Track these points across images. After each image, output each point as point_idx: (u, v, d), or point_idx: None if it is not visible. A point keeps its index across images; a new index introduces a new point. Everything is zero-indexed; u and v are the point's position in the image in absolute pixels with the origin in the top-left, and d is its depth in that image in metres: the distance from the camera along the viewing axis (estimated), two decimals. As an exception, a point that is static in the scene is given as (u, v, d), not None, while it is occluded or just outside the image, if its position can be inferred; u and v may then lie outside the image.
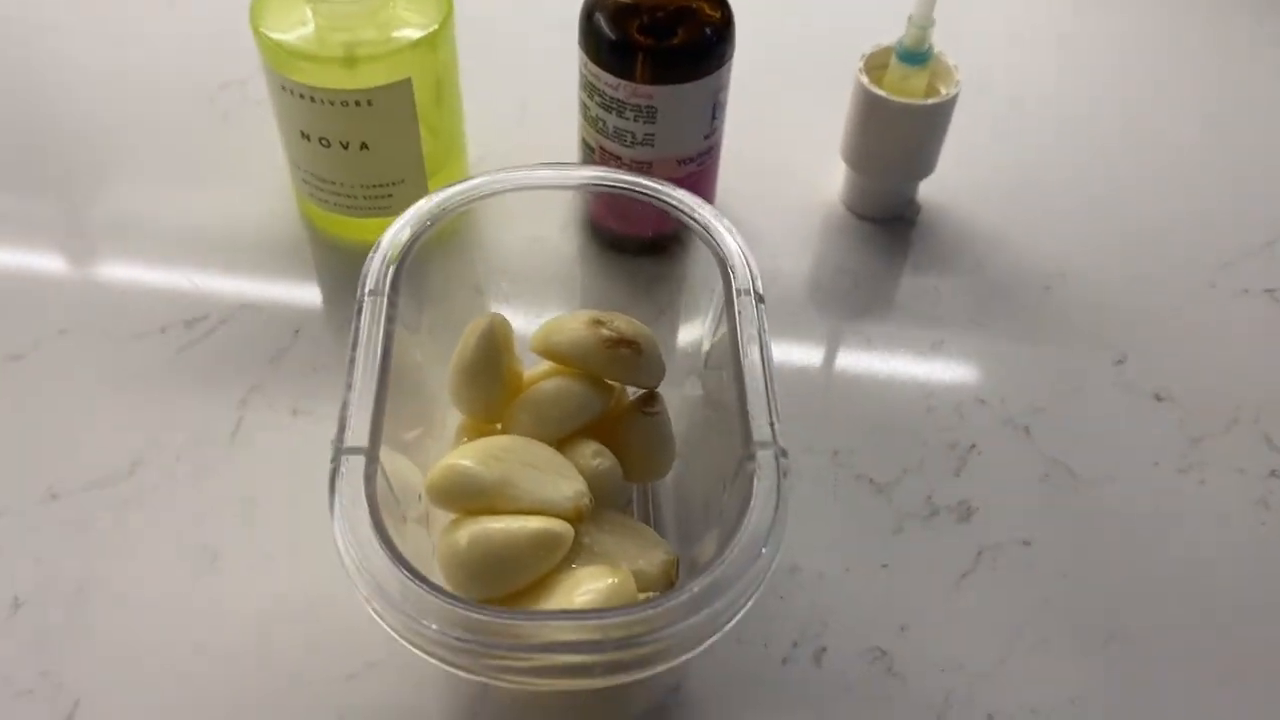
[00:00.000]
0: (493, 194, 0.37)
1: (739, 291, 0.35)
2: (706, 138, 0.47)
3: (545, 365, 0.41)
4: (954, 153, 0.51)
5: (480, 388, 0.38)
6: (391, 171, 0.48)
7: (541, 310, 0.46)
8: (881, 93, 0.48)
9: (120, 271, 0.50)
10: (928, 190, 0.54)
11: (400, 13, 0.46)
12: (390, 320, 0.33)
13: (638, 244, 0.48)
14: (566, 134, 0.51)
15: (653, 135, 0.45)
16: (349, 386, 0.32)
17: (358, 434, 0.30)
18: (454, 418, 0.40)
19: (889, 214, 0.53)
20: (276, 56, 0.45)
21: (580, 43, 0.45)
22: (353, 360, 0.32)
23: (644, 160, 0.46)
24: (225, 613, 0.39)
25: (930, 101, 0.48)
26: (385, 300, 0.34)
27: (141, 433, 0.44)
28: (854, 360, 0.48)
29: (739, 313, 0.34)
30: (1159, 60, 0.64)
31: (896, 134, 0.49)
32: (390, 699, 0.38)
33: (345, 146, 0.46)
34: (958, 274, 0.52)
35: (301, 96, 0.45)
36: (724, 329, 0.36)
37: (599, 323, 0.39)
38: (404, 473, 0.35)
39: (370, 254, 0.35)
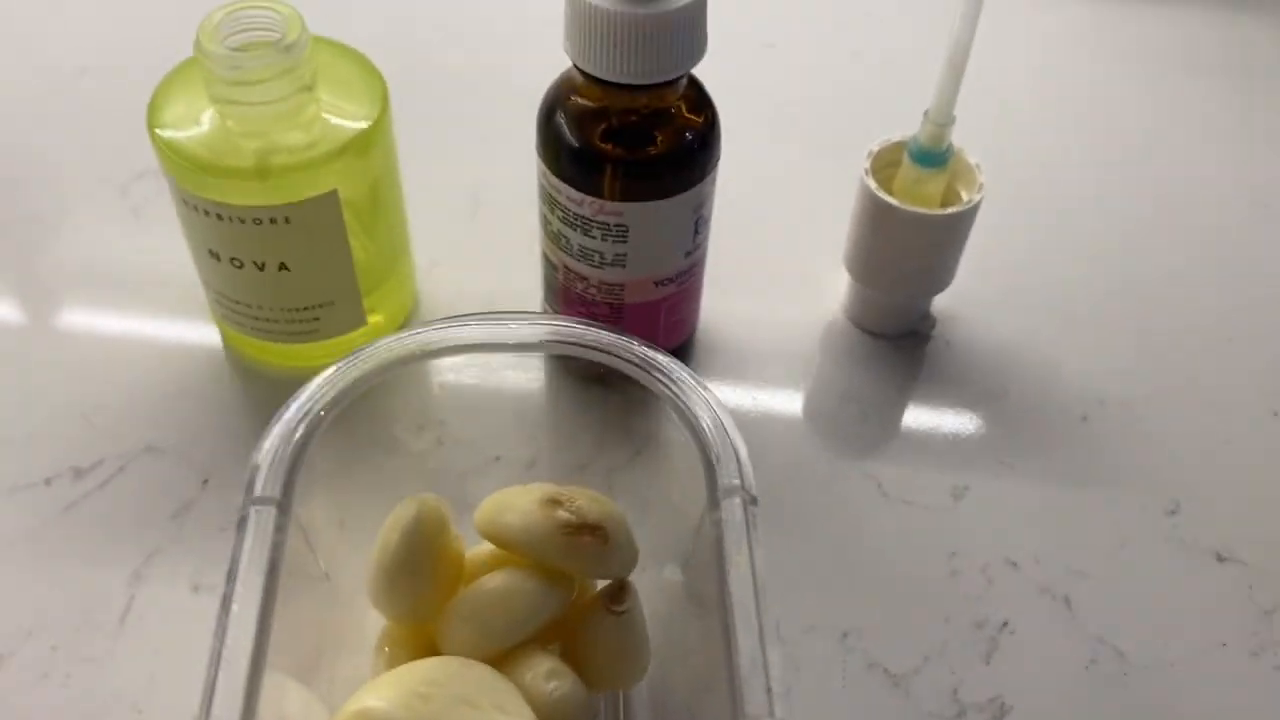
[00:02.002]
0: (421, 357, 0.30)
1: (725, 491, 0.27)
2: (688, 255, 0.40)
3: (489, 545, 0.34)
4: (972, 258, 0.44)
5: (405, 592, 0.31)
6: (317, 293, 0.41)
7: (493, 450, 0.40)
8: (892, 201, 0.41)
9: None
10: (943, 300, 0.47)
11: (326, 109, 0.39)
12: (280, 530, 0.26)
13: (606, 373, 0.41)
14: (526, 231, 0.44)
15: (624, 256, 0.38)
16: (219, 641, 0.24)
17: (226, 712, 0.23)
18: (375, 620, 0.33)
19: (899, 329, 0.46)
20: (175, 166, 0.37)
21: (538, 149, 0.38)
22: (227, 600, 0.25)
23: (615, 281, 0.39)
24: None
25: (949, 211, 0.41)
26: (275, 510, 0.27)
27: (13, 617, 0.37)
28: (864, 512, 0.41)
29: (724, 521, 0.27)
30: (1203, 161, 0.57)
31: (909, 246, 0.42)
32: None
33: (261, 267, 0.39)
34: (981, 402, 0.44)
35: (207, 213, 0.38)
36: (709, 525, 0.29)
37: (555, 502, 0.32)
38: (304, 716, 0.28)
39: (257, 446, 0.28)
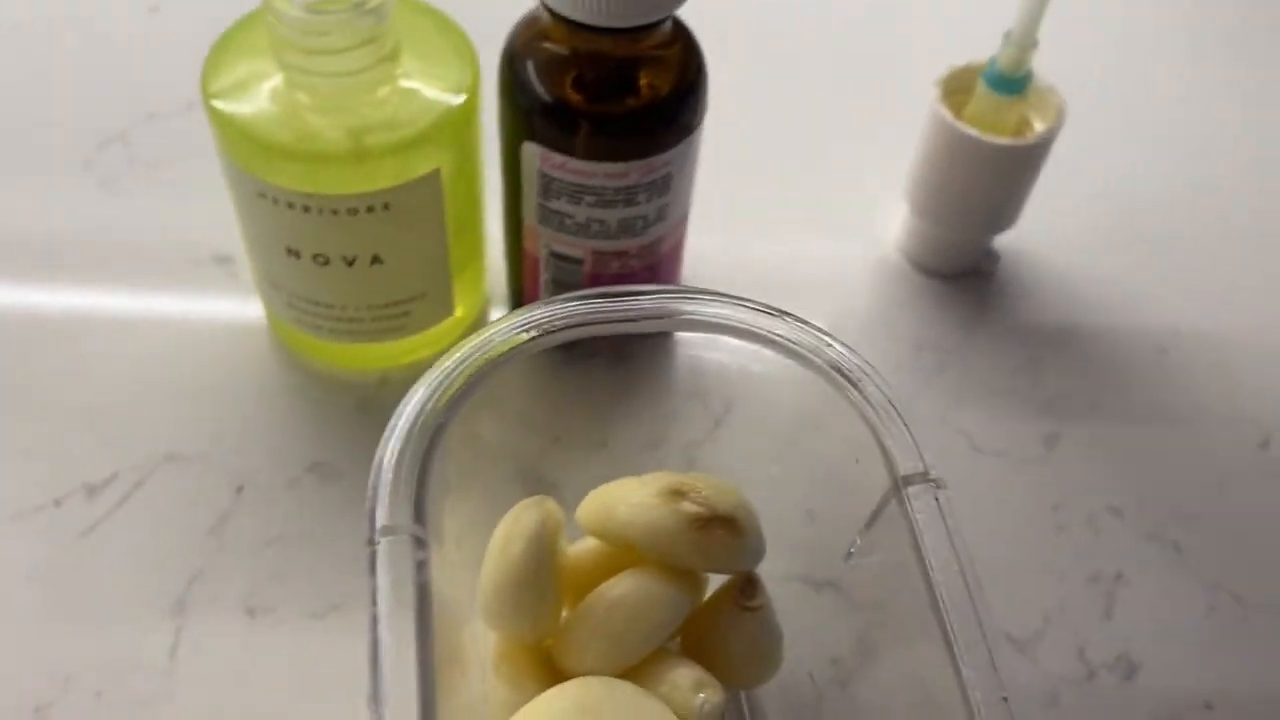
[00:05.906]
0: (539, 347, 0.26)
1: (904, 481, 0.24)
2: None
3: (592, 542, 0.31)
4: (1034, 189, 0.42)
5: (528, 608, 0.28)
6: (411, 285, 0.36)
7: (554, 431, 0.36)
8: (971, 131, 0.38)
9: (-9, 417, 0.38)
10: (1004, 234, 0.44)
11: (414, 79, 0.33)
12: (423, 569, 0.23)
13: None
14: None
15: (667, 205, 0.35)
16: (377, 703, 0.21)
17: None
18: (484, 635, 0.30)
19: (963, 268, 0.43)
20: (247, 152, 0.32)
21: (546, 143, 0.33)
22: (376, 658, 0.21)
23: (655, 238, 0.36)
24: None
25: (1028, 142, 0.38)
26: (410, 539, 0.23)
27: (46, 661, 0.32)
28: (961, 468, 0.38)
29: (917, 521, 0.24)
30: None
31: (983, 179, 0.39)
32: None
33: (350, 263, 0.34)
34: (1056, 341, 0.42)
35: (290, 205, 0.32)
36: (882, 522, 0.26)
37: (678, 493, 0.29)
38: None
39: (373, 472, 0.23)
